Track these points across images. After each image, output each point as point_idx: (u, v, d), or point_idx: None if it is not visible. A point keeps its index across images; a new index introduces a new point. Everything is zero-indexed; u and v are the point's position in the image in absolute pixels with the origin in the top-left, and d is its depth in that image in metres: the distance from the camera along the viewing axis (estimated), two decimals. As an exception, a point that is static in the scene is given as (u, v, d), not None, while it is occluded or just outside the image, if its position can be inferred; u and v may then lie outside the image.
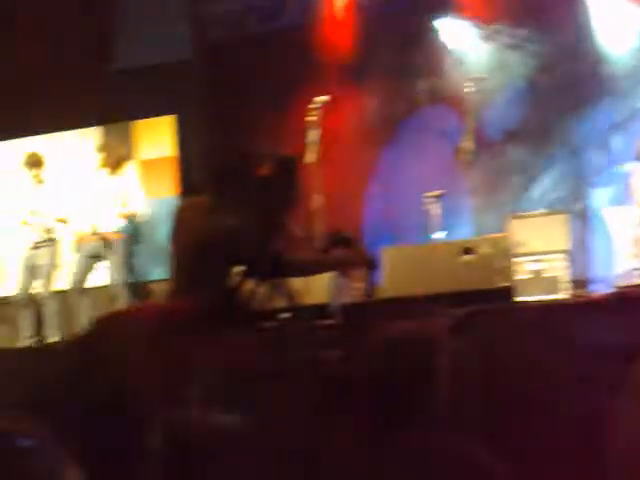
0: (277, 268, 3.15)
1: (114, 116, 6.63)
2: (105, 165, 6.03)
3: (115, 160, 6.04)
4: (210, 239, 3.06)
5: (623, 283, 4.49)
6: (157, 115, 6.94)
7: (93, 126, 7.01)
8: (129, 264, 6.20)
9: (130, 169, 6.38)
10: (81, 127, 6.92)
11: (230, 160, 3.26)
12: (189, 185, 6.40)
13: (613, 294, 4.13)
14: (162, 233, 6.67)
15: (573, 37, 5.99)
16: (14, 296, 6.29)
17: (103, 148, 6.05)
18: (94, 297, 6.55)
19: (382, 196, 6.40)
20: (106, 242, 6.04)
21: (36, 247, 6.20)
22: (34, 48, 6.67)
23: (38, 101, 6.60)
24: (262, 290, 3.22)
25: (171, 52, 6.91)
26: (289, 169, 3.37)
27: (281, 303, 3.27)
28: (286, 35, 6.57)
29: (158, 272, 6.75)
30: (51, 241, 6.20)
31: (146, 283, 6.79)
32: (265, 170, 3.24)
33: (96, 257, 6.11)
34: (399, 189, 6.45)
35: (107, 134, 6.76)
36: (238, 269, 3.28)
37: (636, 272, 4.73)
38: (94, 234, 6.06)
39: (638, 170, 4.90)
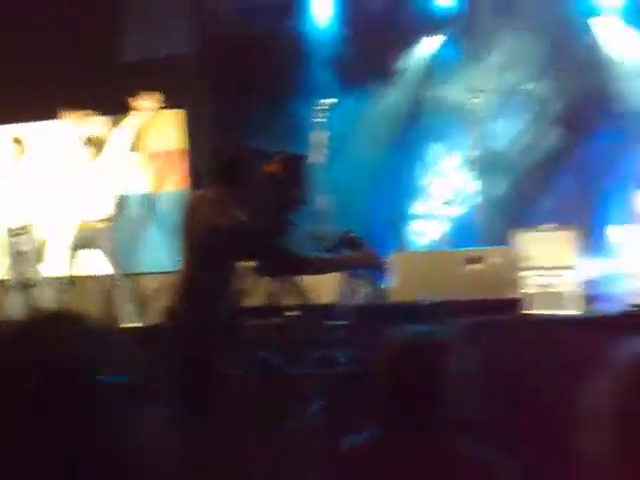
0: (286, 265, 3.13)
1: (122, 108, 6.61)
2: (90, 155, 6.10)
3: (97, 150, 6.11)
4: (220, 232, 3.04)
5: (630, 301, 4.49)
6: (166, 108, 6.91)
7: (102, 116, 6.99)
8: (120, 254, 6.17)
9: (118, 158, 6.39)
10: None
11: (238, 155, 3.23)
12: (198, 179, 6.40)
13: (620, 312, 4.15)
14: (170, 225, 6.66)
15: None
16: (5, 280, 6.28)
17: (89, 139, 6.13)
18: (87, 286, 6.51)
19: (388, 198, 6.40)
20: (94, 231, 6.03)
21: (16, 234, 6.20)
22: (44, 41, 6.67)
23: (45, 90, 6.56)
24: (276, 287, 3.21)
25: (178, 45, 6.92)
26: (297, 167, 3.35)
27: (291, 301, 3.25)
28: (292, 36, 6.59)
29: (165, 264, 6.72)
30: (28, 228, 6.21)
31: (146, 274, 6.76)
32: (273, 167, 3.23)
33: (85, 246, 6.09)
34: (405, 191, 6.47)
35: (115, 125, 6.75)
36: (249, 264, 3.27)
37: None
38: (81, 223, 6.06)
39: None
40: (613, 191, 5.68)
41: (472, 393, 1.84)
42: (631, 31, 6.26)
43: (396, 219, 6.14)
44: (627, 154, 5.67)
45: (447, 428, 1.64)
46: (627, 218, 5.16)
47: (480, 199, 6.21)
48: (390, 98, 6.53)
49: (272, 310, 3.27)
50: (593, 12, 6.31)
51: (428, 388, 1.63)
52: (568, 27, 6.21)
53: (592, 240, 5.18)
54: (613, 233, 5.21)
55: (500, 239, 5.20)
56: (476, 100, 5.98)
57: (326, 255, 3.25)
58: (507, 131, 6.23)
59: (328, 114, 5.22)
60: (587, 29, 6.30)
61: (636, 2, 6.14)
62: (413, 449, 1.60)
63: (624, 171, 5.52)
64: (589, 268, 5.07)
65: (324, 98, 5.45)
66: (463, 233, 6.12)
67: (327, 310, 3.65)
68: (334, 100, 5.28)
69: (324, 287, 3.57)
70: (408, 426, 1.62)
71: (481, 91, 5.98)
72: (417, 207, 6.38)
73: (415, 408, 1.62)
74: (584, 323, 4.02)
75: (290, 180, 3.18)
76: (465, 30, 6.40)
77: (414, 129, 6.44)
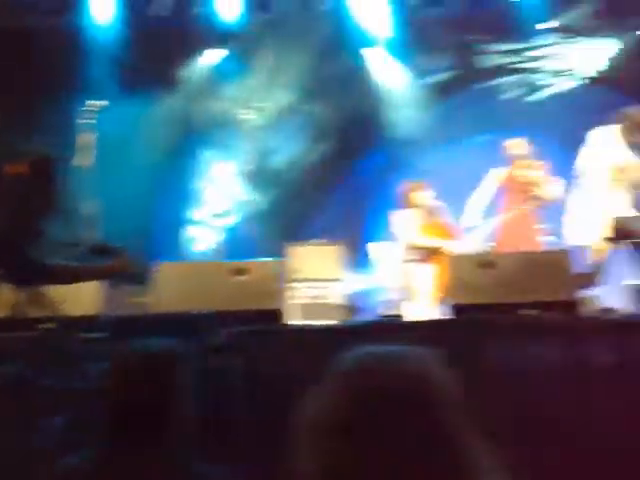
0: (30, 273, 2.93)
1: None
2: None
3: None
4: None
5: (384, 312, 4.86)
6: None
7: None
8: None
9: None
10: None
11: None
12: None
13: (371, 321, 4.45)
14: None
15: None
16: None
17: None
18: None
19: (163, 205, 6.35)
20: None
21: None
22: None
23: None
24: (22, 297, 3.00)
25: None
26: (47, 169, 3.15)
27: (42, 312, 3.07)
28: (65, 33, 6.34)
29: None
30: None
31: None
32: (20, 168, 3.01)
33: None
34: (180, 199, 6.47)
35: None
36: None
37: (394, 303, 5.16)
38: None
39: (399, 212, 5.37)
40: (376, 210, 6.11)
41: (207, 405, 1.85)
42: (397, 63, 6.80)
43: (170, 226, 6.09)
44: (389, 177, 6.14)
45: (176, 444, 1.63)
46: (386, 236, 5.57)
47: (254, 211, 6.36)
48: (170, 104, 6.48)
49: (20, 321, 3.06)
50: (366, 42, 6.76)
51: (153, 402, 1.61)
52: (342, 54, 6.59)
53: (357, 255, 5.53)
54: (372, 249, 5.61)
55: (273, 251, 5.35)
56: (251, 116, 6.14)
57: (75, 264, 3.10)
58: (282, 148, 6.46)
59: (98, 116, 5.02)
60: (360, 58, 6.73)
61: (400, 37, 6.68)
62: (139, 466, 1.57)
63: (385, 192, 5.96)
64: (354, 281, 5.41)
65: (100, 99, 5.24)
66: (238, 244, 6.23)
67: (84, 322, 3.50)
68: (104, 102, 5.09)
69: (83, 297, 3.41)
70: (134, 443, 1.59)
71: (256, 107, 6.15)
72: (192, 215, 6.40)
73: (140, 424, 1.59)
74: (340, 332, 4.25)
75: (39, 183, 2.98)
76: (246, 47, 6.55)
77: (192, 137, 6.45)
